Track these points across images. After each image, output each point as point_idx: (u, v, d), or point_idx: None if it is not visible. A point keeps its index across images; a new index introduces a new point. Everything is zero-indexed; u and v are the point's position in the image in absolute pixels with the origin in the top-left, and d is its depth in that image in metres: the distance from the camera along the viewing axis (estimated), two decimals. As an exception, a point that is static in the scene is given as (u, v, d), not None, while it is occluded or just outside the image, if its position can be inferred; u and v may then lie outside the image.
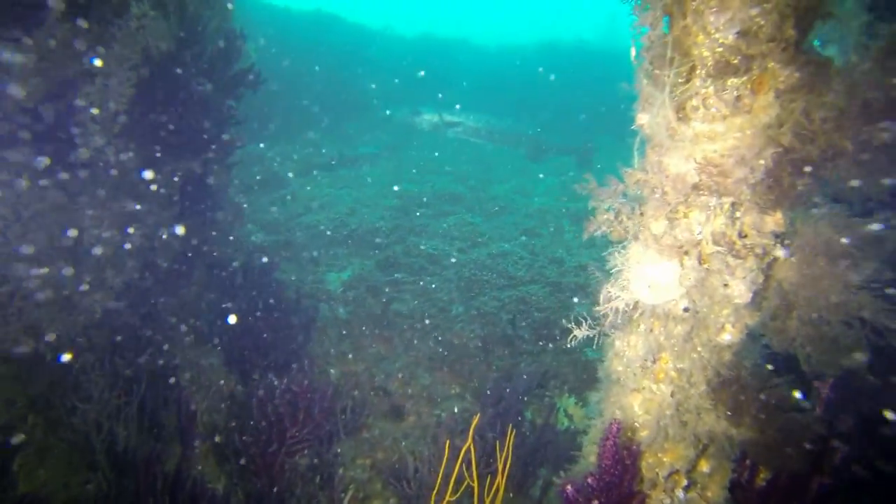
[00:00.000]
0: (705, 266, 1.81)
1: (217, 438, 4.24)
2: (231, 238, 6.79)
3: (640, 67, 1.86)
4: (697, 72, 1.75)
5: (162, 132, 5.61)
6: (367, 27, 16.83)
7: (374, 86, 14.82)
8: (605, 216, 2.04)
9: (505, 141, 9.73)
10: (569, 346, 6.26)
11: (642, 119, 1.87)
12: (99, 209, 5.33)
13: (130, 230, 5.63)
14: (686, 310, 1.85)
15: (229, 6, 6.75)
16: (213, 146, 5.85)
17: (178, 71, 5.61)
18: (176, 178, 6.01)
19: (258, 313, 5.32)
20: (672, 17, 1.77)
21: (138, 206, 5.61)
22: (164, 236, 5.94)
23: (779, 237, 1.78)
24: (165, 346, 5.31)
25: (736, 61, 1.67)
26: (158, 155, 5.71)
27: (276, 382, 4.07)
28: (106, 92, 5.40)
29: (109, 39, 5.24)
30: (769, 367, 1.97)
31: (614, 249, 2.18)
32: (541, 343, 6.42)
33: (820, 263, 1.79)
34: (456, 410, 5.29)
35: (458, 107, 11.22)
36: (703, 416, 1.97)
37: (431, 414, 5.29)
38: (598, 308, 2.02)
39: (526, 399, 5.22)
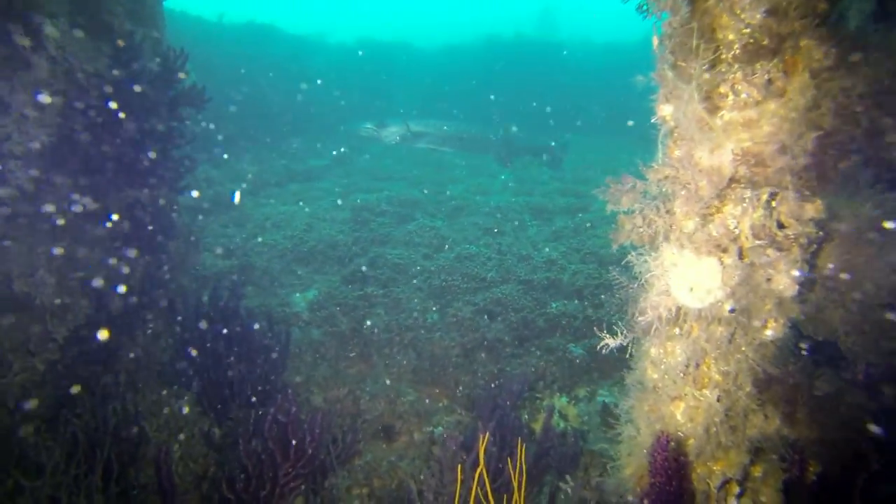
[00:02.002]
0: (746, 262, 1.71)
1: (202, 488, 3.88)
2: (187, 267, 6.35)
3: (661, 56, 1.73)
4: (723, 56, 1.64)
5: (97, 161, 5.15)
6: (306, 37, 16.32)
7: (318, 97, 14.40)
8: (632, 222, 1.90)
9: (475, 147, 9.47)
10: (552, 343, 6.15)
11: (665, 110, 1.75)
12: (30, 254, 4.82)
13: (72, 273, 5.14)
14: (733, 310, 1.75)
15: (161, 22, 6.31)
16: (159, 172, 5.42)
17: (111, 93, 5.16)
18: (119, 210, 5.55)
19: (228, 345, 4.96)
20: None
21: (78, 246, 5.13)
22: (113, 275, 5.47)
23: (820, 224, 1.71)
24: (127, 395, 4.87)
25: (765, 42, 1.56)
26: (96, 187, 5.24)
27: (261, 415, 3.76)
28: (24, 122, 4.91)
29: (23, 63, 4.75)
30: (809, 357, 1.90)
31: (637, 252, 2.06)
32: (523, 344, 6.32)
33: (863, 247, 1.73)
34: (448, 425, 5.10)
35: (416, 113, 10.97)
36: (752, 419, 1.88)
37: (423, 431, 5.08)
38: (641, 318, 1.89)
39: (518, 403, 5.09)
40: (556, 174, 12.51)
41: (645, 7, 1.90)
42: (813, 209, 1.66)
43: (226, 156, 11.72)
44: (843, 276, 1.78)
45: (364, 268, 7.90)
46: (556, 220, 10.22)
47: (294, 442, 3.66)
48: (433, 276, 7.68)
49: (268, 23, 14.84)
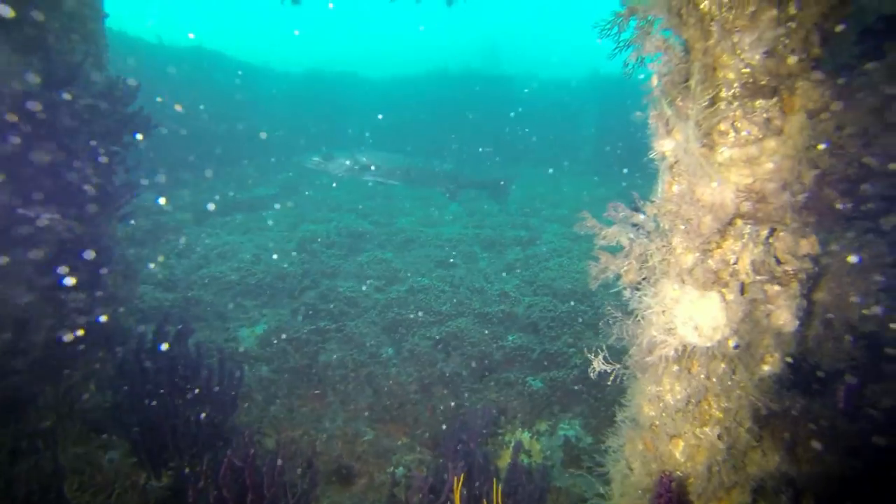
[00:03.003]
0: (748, 297, 1.72)
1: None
2: (124, 301, 5.87)
3: (658, 93, 1.74)
4: (723, 94, 1.67)
5: (29, 185, 4.73)
6: (253, 64, 16.03)
7: (264, 126, 14.05)
8: (616, 256, 1.88)
9: (422, 180, 9.40)
10: (510, 377, 6.06)
11: (664, 146, 1.76)
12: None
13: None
14: (737, 347, 1.74)
15: (103, 41, 5.98)
16: (98, 198, 5.04)
17: (41, 113, 4.78)
18: (49, 238, 5.09)
19: (171, 386, 4.57)
20: (691, 40, 1.68)
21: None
22: (35, 311, 4.97)
23: (815, 260, 1.75)
24: (44, 450, 4.36)
25: (764, 82, 1.61)
26: (24, 212, 4.79)
27: (213, 461, 3.44)
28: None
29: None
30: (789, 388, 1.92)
31: (625, 287, 2.04)
32: (481, 378, 6.22)
33: (846, 278, 1.78)
34: (409, 465, 4.89)
35: (364, 145, 10.82)
36: (752, 456, 1.86)
37: (384, 472, 4.84)
38: (648, 357, 1.84)
39: (482, 440, 4.96)
40: (503, 207, 12.69)
41: (630, 64, 1.93)
42: (808, 245, 1.71)
43: (166, 183, 11.16)
44: (832, 307, 1.83)
45: (315, 301, 7.62)
46: (506, 252, 10.31)
47: (251, 490, 3.37)
48: (386, 310, 7.50)
49: (214, 48, 14.48)
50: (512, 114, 16.52)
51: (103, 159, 5.00)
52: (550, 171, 16.32)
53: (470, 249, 10.38)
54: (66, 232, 5.08)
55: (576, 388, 5.95)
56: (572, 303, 7.67)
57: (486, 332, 7.07)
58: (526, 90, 17.41)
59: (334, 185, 13.78)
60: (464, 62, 18.37)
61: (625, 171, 12.80)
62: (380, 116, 15.24)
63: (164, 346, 4.68)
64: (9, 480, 3.95)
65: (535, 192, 14.50)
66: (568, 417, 5.68)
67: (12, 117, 4.51)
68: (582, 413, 5.67)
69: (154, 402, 4.44)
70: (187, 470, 4.09)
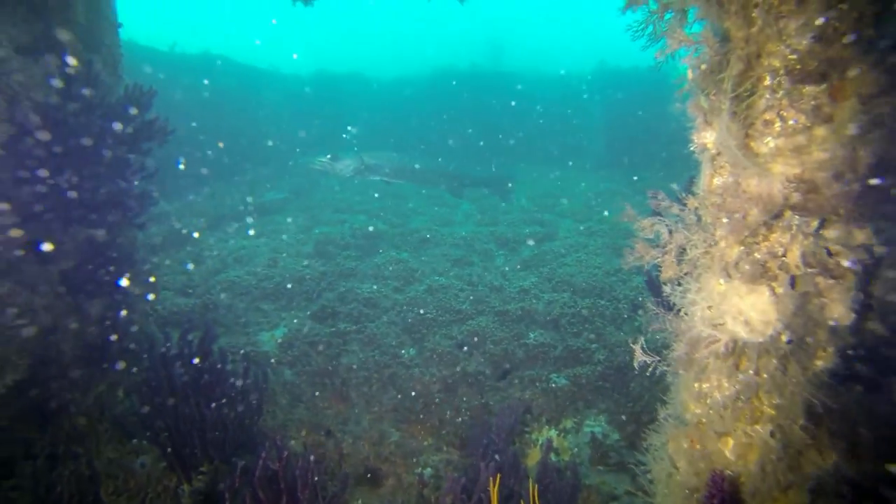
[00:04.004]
0: (799, 291, 1.67)
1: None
2: (145, 308, 5.92)
3: (694, 86, 1.70)
4: (766, 83, 1.62)
5: (50, 196, 4.76)
6: (260, 68, 16.10)
7: (272, 129, 14.09)
8: (653, 246, 1.84)
9: (429, 179, 9.38)
10: (534, 374, 6.02)
11: (706, 137, 1.71)
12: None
13: (14, 320, 4.66)
14: (790, 342, 1.69)
15: (118, 53, 6.02)
16: (119, 207, 5.07)
17: (66, 124, 4.82)
18: (72, 248, 5.13)
19: (197, 391, 4.59)
20: (732, 28, 1.63)
21: (19, 289, 4.68)
22: (64, 321, 5.01)
23: (870, 251, 1.69)
24: (80, 457, 4.41)
25: (812, 67, 1.55)
26: (46, 222, 4.83)
27: (247, 464, 3.45)
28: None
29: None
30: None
31: (665, 283, 2.00)
32: (504, 376, 6.19)
33: (904, 271, 1.73)
34: (437, 465, 4.87)
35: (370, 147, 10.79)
36: (808, 454, 1.81)
37: (411, 473, 4.83)
38: (699, 354, 1.80)
39: (511, 439, 4.93)
40: (511, 205, 12.57)
41: (658, 60, 1.89)
42: (863, 235, 1.66)
43: (179, 190, 11.24)
44: (888, 297, 1.78)
45: (334, 303, 7.62)
46: (522, 249, 10.25)
47: (285, 493, 3.37)
48: (406, 310, 7.49)
49: (222, 53, 14.57)
50: (518, 110, 16.43)
51: (122, 167, 5.02)
52: (561, 166, 16.20)
53: (486, 247, 10.33)
54: (88, 240, 5.12)
55: (599, 384, 5.90)
56: (592, 298, 7.60)
57: (507, 330, 7.02)
58: (533, 86, 17.28)
59: (340, 186, 13.79)
60: (469, 60, 18.29)
61: (635, 164, 12.64)
62: (385, 117, 15.23)
63: (196, 360, 4.70)
64: (49, 485, 4.00)
65: (546, 187, 14.40)
66: (593, 414, 5.63)
67: (41, 131, 4.54)
68: (607, 409, 5.62)
69: (181, 408, 4.46)
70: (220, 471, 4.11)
